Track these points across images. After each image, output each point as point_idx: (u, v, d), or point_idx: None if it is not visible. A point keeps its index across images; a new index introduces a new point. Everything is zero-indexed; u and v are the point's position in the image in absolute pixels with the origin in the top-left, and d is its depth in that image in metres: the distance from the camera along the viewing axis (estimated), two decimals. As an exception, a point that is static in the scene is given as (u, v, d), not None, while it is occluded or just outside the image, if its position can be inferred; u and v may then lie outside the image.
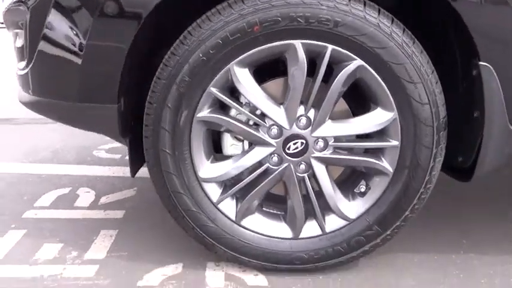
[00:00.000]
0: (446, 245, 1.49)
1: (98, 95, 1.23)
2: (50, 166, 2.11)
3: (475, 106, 1.21)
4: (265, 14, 1.12)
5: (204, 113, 1.21)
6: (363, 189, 1.30)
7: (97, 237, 1.48)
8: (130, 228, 1.54)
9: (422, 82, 1.16)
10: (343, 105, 1.29)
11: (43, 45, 1.24)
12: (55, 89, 1.28)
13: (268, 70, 1.27)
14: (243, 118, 1.24)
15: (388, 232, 1.29)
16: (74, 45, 1.21)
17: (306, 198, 1.30)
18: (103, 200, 1.74)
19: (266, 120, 1.22)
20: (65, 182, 1.93)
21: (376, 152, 1.26)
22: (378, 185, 1.27)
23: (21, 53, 1.36)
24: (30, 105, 1.39)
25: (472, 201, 1.78)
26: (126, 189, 1.84)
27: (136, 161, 1.39)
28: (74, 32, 1.21)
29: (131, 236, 1.50)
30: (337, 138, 1.24)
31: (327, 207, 1.29)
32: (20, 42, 1.38)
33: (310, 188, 1.28)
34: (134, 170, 1.40)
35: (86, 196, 1.77)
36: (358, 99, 1.27)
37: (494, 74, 1.15)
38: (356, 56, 1.16)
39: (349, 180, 1.34)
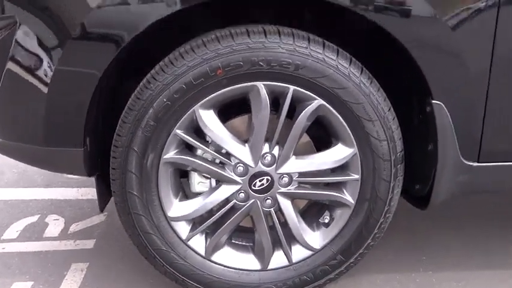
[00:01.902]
0: (407, 263, 1.57)
1: (64, 139, 1.23)
2: (17, 190, 2.08)
3: (429, 139, 1.27)
4: (227, 59, 1.15)
5: (171, 154, 1.23)
6: (327, 220, 1.35)
7: (68, 272, 1.48)
8: (101, 261, 1.54)
9: (380, 119, 1.22)
10: (307, 140, 1.33)
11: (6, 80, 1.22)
12: (20, 132, 1.27)
13: (233, 106, 1.30)
14: (209, 157, 1.27)
15: (352, 260, 1.35)
16: (40, 81, 1.19)
17: (273, 228, 1.34)
18: (73, 227, 1.74)
19: (232, 159, 1.25)
20: (33, 208, 1.90)
21: (339, 186, 1.31)
22: (341, 216, 1.33)
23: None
24: None
25: (430, 216, 1.86)
26: (96, 213, 1.84)
27: (104, 195, 1.40)
28: (39, 71, 1.19)
29: (102, 269, 1.50)
30: (301, 174, 1.28)
31: (293, 238, 1.34)
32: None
33: (277, 221, 1.32)
34: (103, 205, 1.41)
35: (55, 224, 1.76)
36: (322, 133, 1.32)
37: (446, 111, 1.22)
38: (317, 96, 1.20)
39: (314, 211, 1.39)
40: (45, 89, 1.17)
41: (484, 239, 1.68)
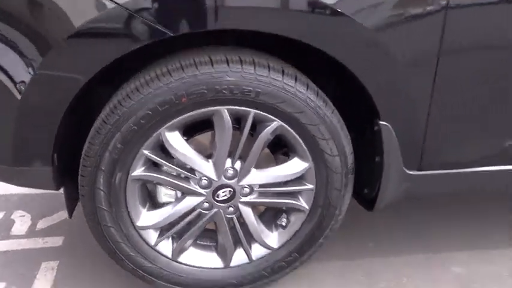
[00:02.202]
0: (355, 249, 1.75)
1: (33, 159, 1.26)
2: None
3: (377, 153, 1.40)
4: (191, 87, 1.20)
5: (138, 172, 1.29)
6: (284, 223, 1.48)
7: (38, 272, 1.55)
8: (72, 258, 1.62)
9: (333, 138, 1.33)
10: (267, 153, 1.43)
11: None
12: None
13: (198, 122, 1.35)
14: (175, 172, 1.35)
15: (305, 257, 1.50)
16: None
17: (234, 230, 1.46)
18: (40, 224, 1.78)
19: (196, 173, 1.34)
20: (-2, 203, 1.92)
21: (295, 194, 1.43)
22: (297, 220, 1.46)
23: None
24: None
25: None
26: (62, 208, 1.87)
27: (72, 201, 1.46)
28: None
29: (73, 267, 1.58)
30: (261, 185, 1.39)
31: (252, 239, 1.47)
32: None
33: (238, 225, 1.44)
34: (71, 210, 1.47)
35: (21, 221, 1.80)
36: (281, 147, 1.41)
37: (392, 130, 1.35)
38: (276, 118, 1.28)
39: (272, 213, 1.51)
40: (14, 113, 1.19)
41: (426, 226, 1.88)
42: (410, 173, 1.44)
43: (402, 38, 1.23)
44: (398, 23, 1.23)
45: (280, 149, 1.44)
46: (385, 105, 1.31)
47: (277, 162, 1.43)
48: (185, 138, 1.34)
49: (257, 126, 1.32)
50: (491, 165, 1.48)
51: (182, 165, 1.33)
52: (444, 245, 1.78)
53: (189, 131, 1.35)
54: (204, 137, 1.39)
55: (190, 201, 1.37)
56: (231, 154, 1.34)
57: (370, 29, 1.20)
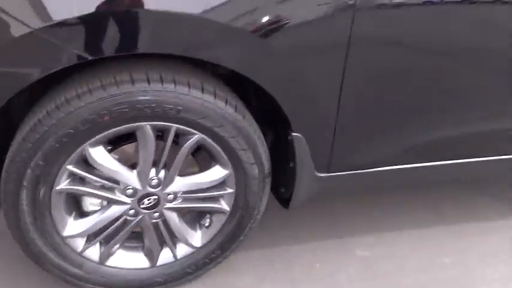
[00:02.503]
0: (273, 238, 1.91)
1: None
2: None
3: (290, 158, 1.54)
4: (113, 106, 1.24)
5: (62, 185, 1.32)
6: (207, 224, 1.59)
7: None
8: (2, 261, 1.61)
9: (251, 148, 1.43)
10: (190, 160, 1.51)
11: None
12: None
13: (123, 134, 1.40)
14: (100, 183, 1.39)
15: (227, 253, 1.63)
16: None
17: (159, 231, 1.54)
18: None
19: (121, 183, 1.39)
20: None
21: (217, 197, 1.54)
22: (219, 220, 1.57)
23: None
24: None
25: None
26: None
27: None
28: None
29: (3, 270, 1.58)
30: (185, 191, 1.47)
31: (177, 239, 1.57)
32: None
33: (163, 227, 1.52)
34: None
35: None
36: (204, 155, 1.50)
37: (303, 139, 1.48)
38: (198, 131, 1.36)
39: (197, 214, 1.61)
40: None
41: (339, 215, 2.09)
42: (321, 175, 1.59)
43: (306, 52, 1.33)
44: (299, 33, 1.30)
45: (203, 154, 1.53)
46: (297, 118, 1.44)
47: (200, 167, 1.52)
48: (110, 147, 1.38)
49: (180, 137, 1.39)
50: (395, 165, 1.68)
51: (107, 177, 1.37)
52: (353, 231, 2.00)
53: (115, 140, 1.39)
54: (129, 147, 1.43)
55: (115, 210, 1.43)
56: (155, 163, 1.40)
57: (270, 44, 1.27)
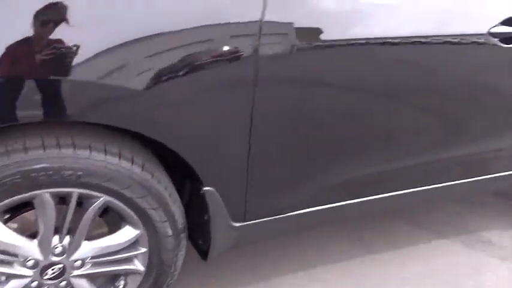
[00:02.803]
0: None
1: None
2: None
3: (204, 211, 1.52)
4: (3, 176, 1.15)
5: (-51, 265, 1.20)
6: (121, 285, 1.51)
7: None
8: None
9: (161, 206, 1.39)
10: (99, 224, 1.44)
11: None
12: None
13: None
14: (-4, 258, 1.28)
15: (146, 312, 1.57)
16: None
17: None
18: None
19: (20, 256, 1.29)
20: None
21: (130, 257, 1.47)
22: (134, 281, 1.50)
23: None
24: None
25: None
26: None
27: None
28: None
29: None
30: (94, 256, 1.40)
31: (91, 305, 1.48)
32: None
33: (73, 295, 1.43)
34: None
35: None
36: (113, 215, 1.44)
37: (216, 192, 1.47)
38: (103, 194, 1.30)
39: (110, 277, 1.52)
40: None
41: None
42: (238, 225, 1.59)
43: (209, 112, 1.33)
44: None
45: (111, 214, 1.46)
46: (206, 172, 1.42)
47: (109, 228, 1.45)
48: (7, 216, 1.28)
49: (84, 200, 1.32)
50: (314, 206, 1.71)
51: (2, 251, 1.27)
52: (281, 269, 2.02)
53: (14, 207, 1.29)
54: (30, 214, 1.33)
55: (15, 284, 1.31)
56: (58, 230, 1.32)
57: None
